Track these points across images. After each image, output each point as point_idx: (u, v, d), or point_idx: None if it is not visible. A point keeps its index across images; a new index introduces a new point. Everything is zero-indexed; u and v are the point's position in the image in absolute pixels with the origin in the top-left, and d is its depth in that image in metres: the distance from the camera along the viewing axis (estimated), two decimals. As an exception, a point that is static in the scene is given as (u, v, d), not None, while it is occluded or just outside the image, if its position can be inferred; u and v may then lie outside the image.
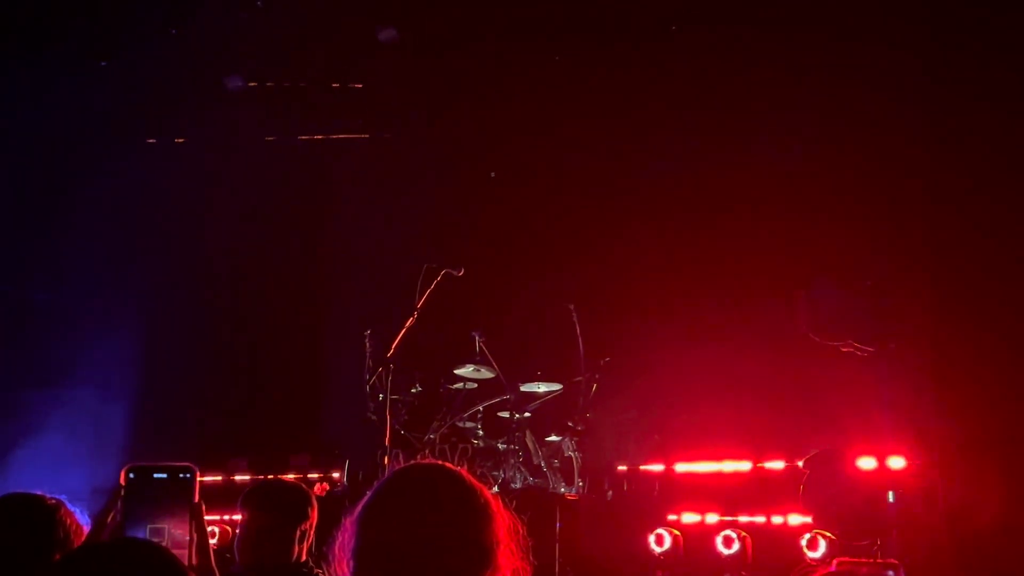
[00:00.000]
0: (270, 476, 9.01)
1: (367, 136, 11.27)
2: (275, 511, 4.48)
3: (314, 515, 4.55)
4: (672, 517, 7.46)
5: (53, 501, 3.27)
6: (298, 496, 4.59)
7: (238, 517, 4.74)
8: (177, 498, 2.92)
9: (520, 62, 10.15)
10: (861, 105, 8.18)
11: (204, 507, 2.94)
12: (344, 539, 2.35)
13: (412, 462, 2.50)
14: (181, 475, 2.94)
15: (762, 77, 8.99)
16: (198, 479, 2.96)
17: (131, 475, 2.94)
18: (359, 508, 2.35)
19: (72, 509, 3.29)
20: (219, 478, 9.42)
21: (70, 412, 10.28)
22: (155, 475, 2.94)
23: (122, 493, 2.90)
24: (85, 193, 10.28)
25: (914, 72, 7.76)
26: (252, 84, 10.44)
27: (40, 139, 10.06)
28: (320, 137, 11.33)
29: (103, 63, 10.05)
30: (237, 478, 9.33)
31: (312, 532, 4.54)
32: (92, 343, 10.29)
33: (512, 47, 9.99)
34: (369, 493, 2.37)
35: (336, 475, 9.29)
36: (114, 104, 10.31)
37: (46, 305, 10.60)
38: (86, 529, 3.23)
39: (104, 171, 10.37)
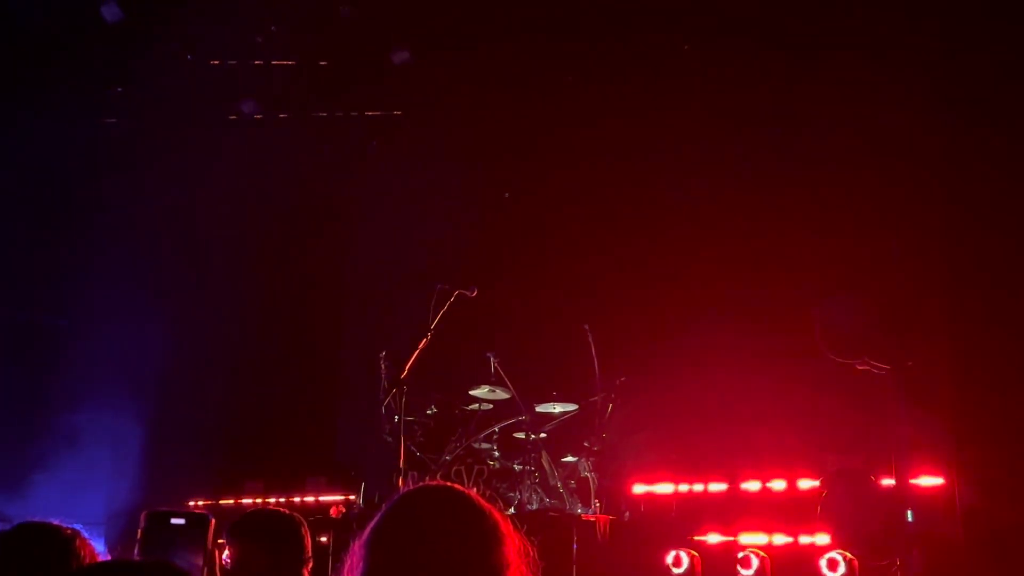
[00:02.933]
0: (282, 500, 9.00)
1: (381, 155, 11.33)
2: (270, 545, 4.31)
3: (308, 543, 4.38)
4: (690, 537, 7.40)
5: (69, 531, 3.27)
6: (290, 527, 4.45)
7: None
8: (193, 543, 2.97)
9: (534, 82, 10.18)
10: (877, 122, 8.15)
11: (217, 553, 2.97)
12: (352, 563, 2.33)
13: (420, 484, 2.48)
14: (197, 522, 3.00)
15: (777, 96, 8.99)
16: (213, 527, 3.01)
17: (149, 520, 2.99)
18: (367, 531, 2.33)
19: (88, 538, 3.29)
20: (236, 501, 9.43)
21: (87, 437, 10.31)
22: (172, 520, 3.01)
23: (140, 536, 2.95)
24: (101, 219, 10.36)
25: (931, 89, 7.73)
26: (266, 110, 10.51)
27: (58, 165, 10.15)
28: (332, 157, 11.38)
29: (118, 88, 10.16)
30: (254, 501, 9.33)
31: (310, 559, 4.40)
32: (109, 367, 10.33)
33: (527, 68, 10.03)
34: (377, 516, 2.35)
35: (352, 497, 9.27)
36: (130, 129, 10.40)
37: (63, 330, 10.65)
38: (101, 558, 3.23)
39: (120, 196, 10.46)
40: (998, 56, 7.32)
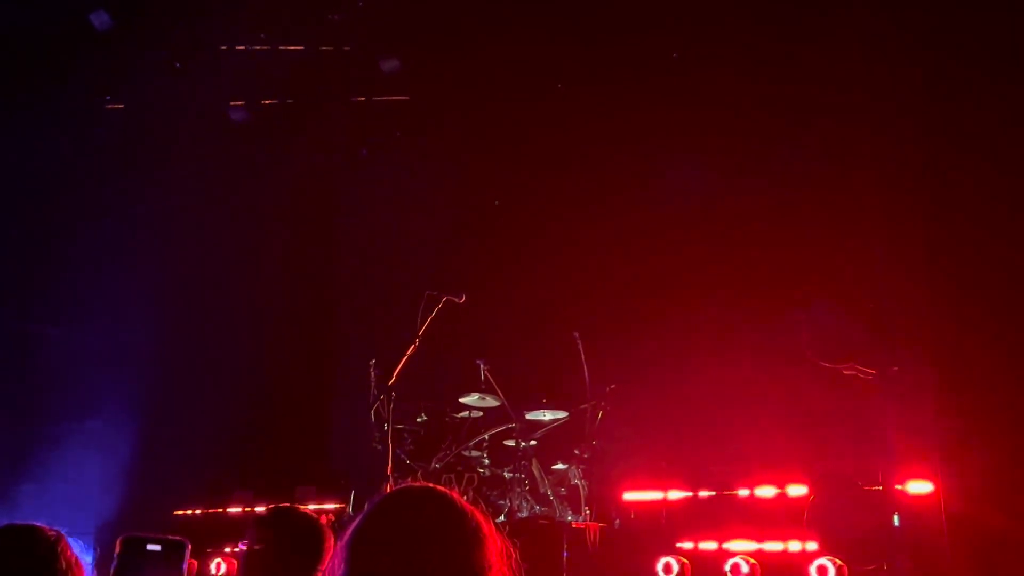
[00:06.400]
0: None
1: (370, 163, 11.34)
2: (295, 542, 4.40)
3: (326, 540, 4.48)
4: (680, 544, 7.39)
5: (53, 533, 3.27)
6: (319, 531, 4.50)
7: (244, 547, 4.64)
8: (168, 569, 2.95)
9: (524, 89, 10.20)
10: (863, 125, 8.19)
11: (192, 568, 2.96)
12: (334, 564, 2.33)
13: (401, 485, 2.48)
14: (173, 547, 2.99)
15: (764, 104, 9.03)
16: (188, 552, 3.00)
17: (125, 545, 2.98)
18: (348, 532, 2.33)
19: (72, 542, 3.28)
20: (224, 510, 9.40)
21: (76, 447, 10.27)
22: (148, 546, 2.99)
23: (115, 562, 2.94)
24: (94, 228, 10.34)
25: (916, 93, 7.77)
26: (257, 116, 10.52)
27: (48, 175, 10.14)
28: (325, 162, 11.39)
29: (108, 97, 10.16)
30: (243, 510, 9.30)
31: (327, 554, 4.48)
32: (100, 377, 10.30)
33: (517, 75, 10.05)
34: (358, 518, 2.35)
35: (342, 506, 9.25)
36: (119, 139, 10.40)
37: (55, 339, 10.62)
38: (84, 563, 3.23)
39: (113, 206, 10.44)
40: (983, 65, 7.35)
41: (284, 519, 4.57)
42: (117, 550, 2.97)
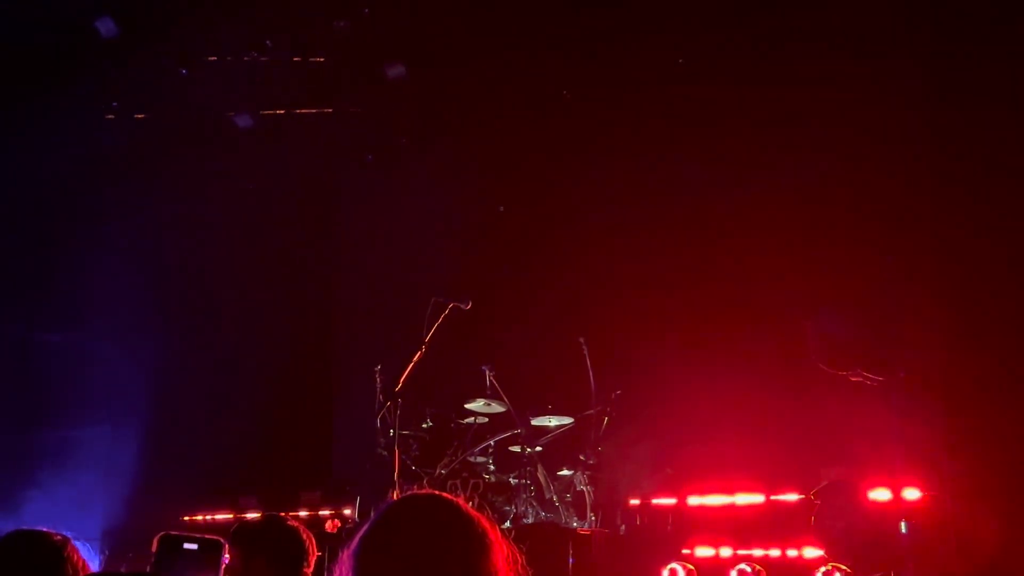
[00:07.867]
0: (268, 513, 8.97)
1: (376, 169, 11.35)
2: (274, 560, 4.33)
3: (312, 558, 4.41)
4: (686, 551, 7.38)
5: (60, 537, 3.29)
6: (298, 541, 4.42)
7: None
8: (204, 570, 2.97)
9: (530, 96, 10.22)
10: (871, 135, 8.19)
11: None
12: (342, 571, 2.33)
13: (408, 492, 2.48)
14: (210, 547, 3.01)
15: (771, 109, 9.03)
16: (225, 551, 3.02)
17: (163, 543, 3.00)
18: (356, 540, 2.33)
19: (78, 546, 3.30)
20: (230, 516, 9.40)
21: (81, 453, 10.29)
22: (185, 545, 3.01)
23: (152, 560, 2.96)
24: (95, 235, 10.36)
25: (923, 103, 7.78)
26: (262, 122, 10.54)
27: (50, 182, 10.17)
28: (330, 168, 11.41)
29: (113, 104, 10.19)
30: (248, 516, 9.30)
31: (311, 567, 4.43)
32: (104, 383, 10.31)
33: (523, 83, 10.07)
34: (366, 524, 2.35)
35: (348, 511, 9.25)
36: (124, 146, 10.43)
37: (57, 347, 10.64)
38: (91, 567, 3.24)
39: (116, 212, 10.47)
40: (991, 71, 7.36)
41: (258, 531, 4.49)
42: (154, 548, 3.00)
